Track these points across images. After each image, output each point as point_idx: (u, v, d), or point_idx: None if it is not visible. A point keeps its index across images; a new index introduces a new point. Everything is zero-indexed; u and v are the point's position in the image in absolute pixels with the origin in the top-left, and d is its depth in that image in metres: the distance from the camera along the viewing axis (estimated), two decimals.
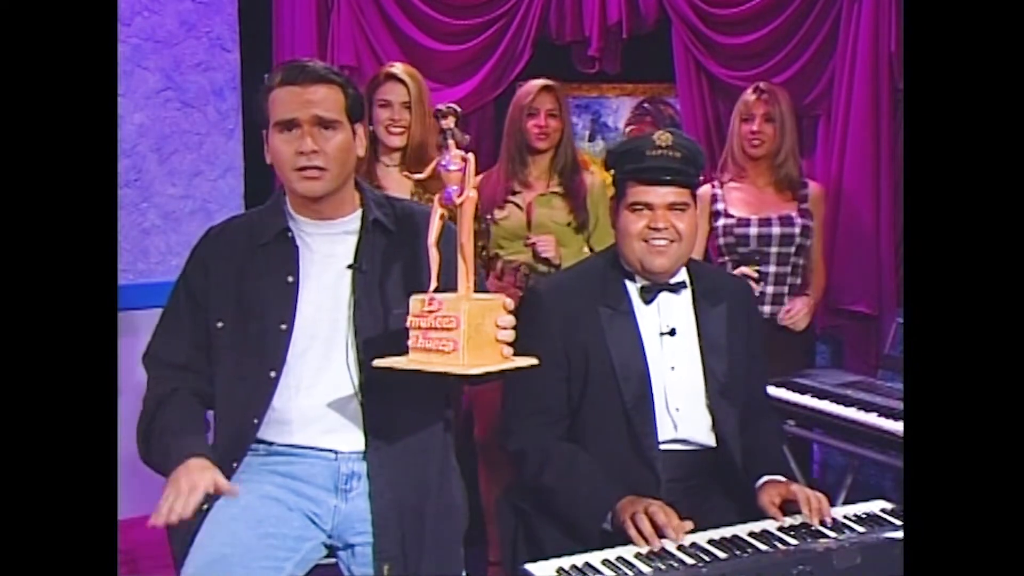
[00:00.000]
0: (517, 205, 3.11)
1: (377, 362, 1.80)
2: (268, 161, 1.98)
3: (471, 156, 1.81)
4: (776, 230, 3.11)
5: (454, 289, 1.80)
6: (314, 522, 1.94)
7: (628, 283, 2.17)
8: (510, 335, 1.79)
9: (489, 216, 3.08)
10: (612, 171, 2.19)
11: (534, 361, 1.82)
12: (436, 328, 1.73)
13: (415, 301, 1.77)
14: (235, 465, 1.93)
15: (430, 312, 1.74)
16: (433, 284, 1.80)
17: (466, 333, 1.71)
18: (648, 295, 2.15)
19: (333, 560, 1.98)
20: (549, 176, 3.14)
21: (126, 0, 3.47)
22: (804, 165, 3.63)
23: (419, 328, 1.76)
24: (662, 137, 2.10)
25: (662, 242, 2.09)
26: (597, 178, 3.18)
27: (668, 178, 2.08)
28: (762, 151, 3.17)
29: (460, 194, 1.79)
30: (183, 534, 1.87)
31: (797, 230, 3.13)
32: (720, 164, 3.28)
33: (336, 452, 1.95)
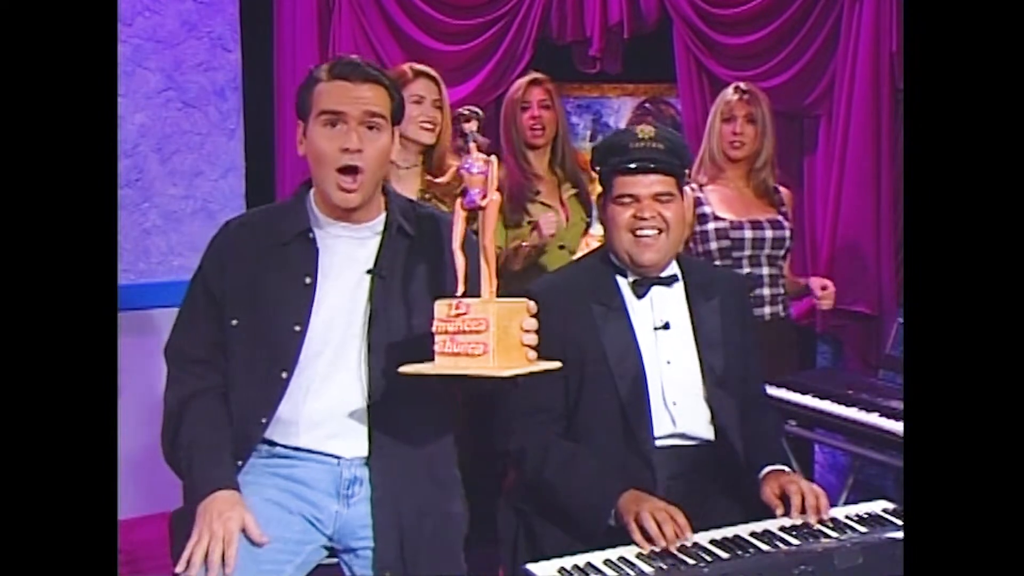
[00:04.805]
0: (545, 204, 3.09)
1: (404, 368, 1.76)
2: (301, 153, 1.95)
3: (494, 159, 1.78)
4: (769, 233, 3.03)
5: (473, 293, 1.78)
6: (315, 526, 1.93)
7: (620, 279, 2.17)
8: (534, 338, 1.76)
9: (533, 224, 3.03)
10: (598, 168, 2.19)
11: (558, 364, 1.81)
12: (465, 332, 1.71)
13: (441, 305, 1.74)
14: (240, 464, 1.92)
15: (458, 315, 1.71)
16: (461, 288, 1.78)
17: (495, 335, 1.69)
18: (640, 290, 2.15)
19: (335, 560, 1.98)
20: (551, 171, 3.15)
21: (127, 0, 3.47)
22: (805, 163, 3.64)
23: (446, 332, 1.72)
24: (644, 130, 2.12)
25: (650, 232, 2.09)
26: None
27: (652, 167, 2.08)
28: (743, 153, 3.06)
29: (483, 197, 1.77)
30: (184, 534, 1.87)
31: (787, 233, 3.07)
32: (696, 165, 3.11)
33: (339, 457, 1.93)
